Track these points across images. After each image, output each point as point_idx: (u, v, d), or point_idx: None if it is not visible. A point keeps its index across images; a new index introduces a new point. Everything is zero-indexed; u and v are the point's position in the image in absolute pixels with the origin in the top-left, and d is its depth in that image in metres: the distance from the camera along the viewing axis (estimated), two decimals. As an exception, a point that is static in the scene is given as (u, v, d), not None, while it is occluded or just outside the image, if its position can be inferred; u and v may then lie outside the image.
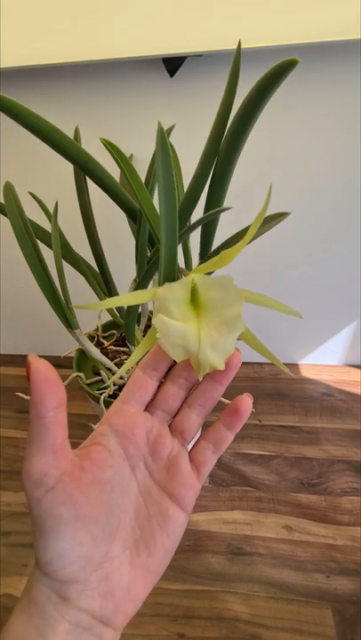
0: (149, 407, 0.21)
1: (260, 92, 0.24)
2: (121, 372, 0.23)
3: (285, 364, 0.71)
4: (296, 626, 0.36)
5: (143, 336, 0.47)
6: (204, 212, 0.34)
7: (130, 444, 0.20)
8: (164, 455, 0.21)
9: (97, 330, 0.48)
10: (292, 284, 0.60)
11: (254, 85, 0.24)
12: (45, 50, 0.40)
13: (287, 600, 0.37)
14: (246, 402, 0.21)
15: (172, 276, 0.24)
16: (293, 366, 0.67)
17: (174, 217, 0.22)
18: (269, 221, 0.35)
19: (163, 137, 0.19)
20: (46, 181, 0.52)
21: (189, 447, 0.22)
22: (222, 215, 0.32)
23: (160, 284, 0.24)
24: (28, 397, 0.39)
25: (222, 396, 0.28)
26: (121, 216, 0.44)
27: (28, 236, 0.34)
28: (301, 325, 0.64)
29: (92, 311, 0.49)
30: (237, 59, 0.26)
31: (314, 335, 0.65)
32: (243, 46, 0.26)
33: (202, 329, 0.20)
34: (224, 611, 0.37)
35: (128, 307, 0.36)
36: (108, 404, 0.38)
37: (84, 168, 0.31)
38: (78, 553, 0.17)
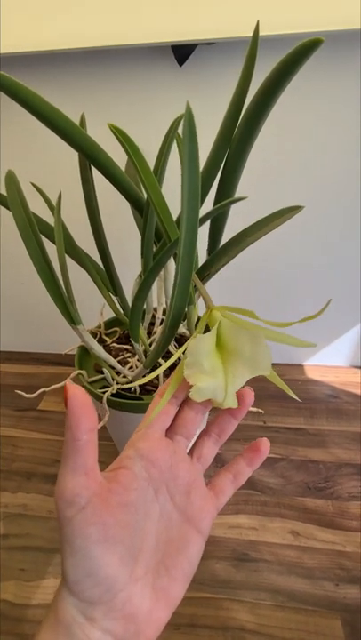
0: (169, 432, 0.22)
1: (280, 76, 0.23)
2: (156, 411, 0.23)
3: (289, 365, 0.70)
4: (304, 636, 0.34)
5: (147, 334, 0.45)
6: (214, 205, 0.33)
7: (154, 469, 0.20)
8: (185, 480, 0.21)
9: (99, 327, 0.47)
10: (298, 283, 0.58)
11: (274, 68, 0.23)
12: (49, 35, 0.38)
13: (295, 609, 0.36)
14: (265, 444, 0.23)
15: (188, 276, 0.22)
16: (298, 367, 0.66)
17: (196, 209, 0.20)
18: (281, 215, 0.33)
19: (190, 120, 0.18)
20: (48, 171, 0.50)
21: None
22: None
23: (176, 282, 0.23)
24: (29, 395, 0.38)
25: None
26: (126, 209, 0.43)
27: (32, 228, 0.32)
28: (306, 325, 0.63)
29: (95, 307, 0.47)
30: (255, 41, 0.25)
31: (319, 335, 0.64)
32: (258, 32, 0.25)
33: (229, 380, 0.21)
34: (229, 619, 0.36)
35: (133, 304, 0.35)
36: (110, 404, 0.37)
37: (90, 157, 0.30)
38: (106, 573, 0.17)
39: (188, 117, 0.18)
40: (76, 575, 0.17)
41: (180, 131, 0.36)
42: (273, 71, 0.22)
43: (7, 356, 0.72)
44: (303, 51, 0.21)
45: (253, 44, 0.25)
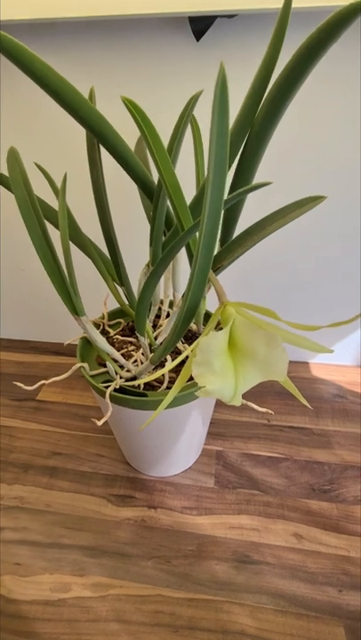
0: None
1: (313, 48, 0.20)
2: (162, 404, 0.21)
3: (295, 362, 0.68)
4: (306, 643, 0.33)
5: (152, 326, 0.43)
6: (230, 192, 0.30)
7: None
8: None
9: (103, 317, 0.45)
10: (306, 282, 0.56)
11: (307, 38, 0.20)
12: (59, 2, 0.35)
13: (297, 614, 0.35)
14: None
15: (206, 268, 0.21)
16: (304, 365, 0.65)
17: (222, 190, 0.18)
18: (303, 205, 0.31)
19: (223, 86, 0.15)
20: (53, 152, 0.48)
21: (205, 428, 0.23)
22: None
23: (193, 274, 0.21)
24: (28, 387, 0.36)
25: (244, 398, 0.27)
26: (134, 195, 0.40)
27: (34, 210, 0.30)
28: (314, 323, 0.61)
29: (98, 298, 0.45)
30: (287, 9, 0.22)
31: (327, 334, 0.62)
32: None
33: (239, 381, 0.20)
34: (229, 623, 0.35)
35: (140, 295, 0.33)
36: (113, 399, 0.35)
37: (98, 134, 0.27)
38: None
39: (222, 84, 0.16)
40: None
41: (194, 112, 0.33)
42: (302, 46, 0.20)
43: (6, 343, 0.71)
44: (341, 19, 0.19)
45: (285, 10, 0.22)
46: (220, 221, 0.20)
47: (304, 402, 0.24)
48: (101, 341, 0.35)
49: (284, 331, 0.21)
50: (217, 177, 0.17)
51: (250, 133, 0.27)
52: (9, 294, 0.66)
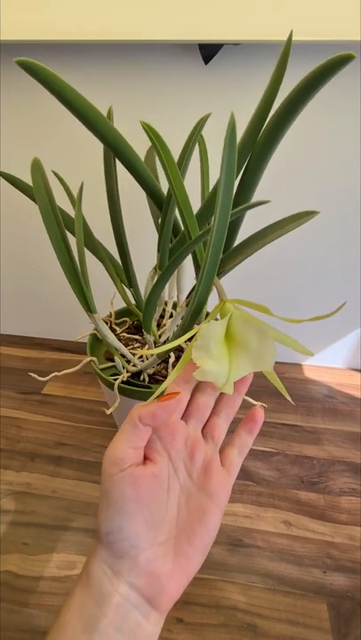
0: (184, 416, 0.24)
1: (307, 88, 0.24)
2: (163, 387, 0.24)
3: (289, 364, 0.71)
4: (292, 617, 0.36)
5: (157, 326, 0.46)
6: (233, 207, 0.34)
7: (172, 449, 0.23)
8: (201, 459, 0.24)
9: (110, 316, 0.48)
10: (300, 286, 0.60)
11: (301, 80, 0.24)
12: (82, 26, 0.39)
13: (284, 592, 0.38)
14: (260, 413, 0.25)
15: (213, 272, 0.24)
16: (297, 366, 0.68)
17: (228, 210, 0.22)
18: (298, 218, 0.35)
19: (233, 131, 0.19)
20: (70, 162, 0.51)
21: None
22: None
23: (202, 277, 0.24)
24: (41, 378, 0.39)
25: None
26: (141, 204, 0.44)
27: (55, 217, 0.33)
28: (306, 328, 0.65)
29: (105, 297, 0.48)
30: (287, 49, 0.26)
31: (319, 337, 0.65)
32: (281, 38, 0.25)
33: (232, 369, 0.23)
34: (222, 599, 0.38)
35: (149, 297, 0.36)
36: (121, 391, 0.38)
37: (115, 149, 0.31)
38: (134, 529, 0.20)
39: (232, 129, 0.19)
40: (108, 527, 0.20)
41: (203, 132, 0.37)
42: (298, 85, 0.23)
43: (13, 339, 0.73)
44: (331, 67, 0.22)
45: (285, 53, 0.25)
46: (225, 234, 0.23)
47: (287, 396, 0.26)
48: (111, 337, 0.38)
49: (272, 328, 0.24)
50: (225, 197, 0.21)
51: (251, 155, 0.31)
52: (16, 292, 0.69)
